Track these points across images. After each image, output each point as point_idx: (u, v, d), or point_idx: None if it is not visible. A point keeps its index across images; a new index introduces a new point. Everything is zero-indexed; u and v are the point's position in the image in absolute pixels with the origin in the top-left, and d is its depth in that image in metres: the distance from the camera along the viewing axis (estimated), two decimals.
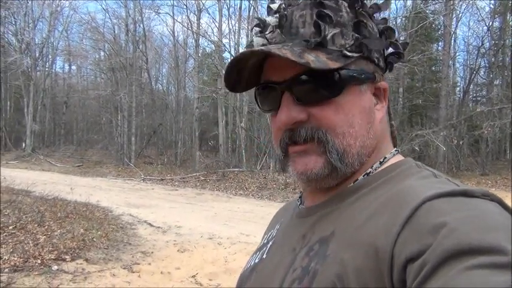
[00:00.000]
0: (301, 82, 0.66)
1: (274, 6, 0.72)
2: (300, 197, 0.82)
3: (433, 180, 0.63)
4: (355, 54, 0.66)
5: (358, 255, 0.57)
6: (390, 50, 0.74)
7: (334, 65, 0.64)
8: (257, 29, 0.74)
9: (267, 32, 0.71)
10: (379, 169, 0.70)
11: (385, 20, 0.74)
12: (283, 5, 0.71)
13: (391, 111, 0.78)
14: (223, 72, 0.71)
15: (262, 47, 0.65)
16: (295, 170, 0.69)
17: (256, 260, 0.78)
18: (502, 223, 0.51)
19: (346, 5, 0.68)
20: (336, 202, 0.69)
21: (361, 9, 0.69)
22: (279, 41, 0.68)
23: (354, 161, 0.68)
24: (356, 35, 0.67)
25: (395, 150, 0.74)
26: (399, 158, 0.73)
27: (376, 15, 0.74)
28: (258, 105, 0.74)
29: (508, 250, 0.46)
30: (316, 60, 0.63)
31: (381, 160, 0.71)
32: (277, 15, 0.70)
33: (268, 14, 0.73)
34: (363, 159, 0.69)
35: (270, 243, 0.79)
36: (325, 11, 0.66)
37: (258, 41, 0.71)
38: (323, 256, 0.61)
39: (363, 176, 0.69)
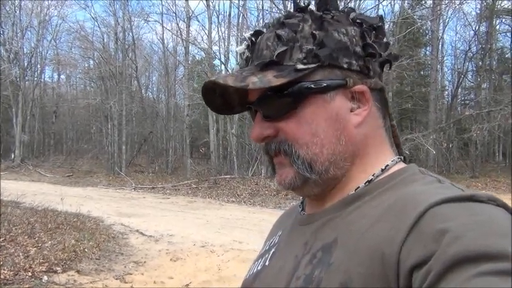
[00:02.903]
0: (265, 100, 0.69)
1: (246, 35, 0.76)
2: (302, 203, 0.82)
3: (438, 185, 0.63)
4: (310, 66, 0.67)
5: (363, 262, 0.57)
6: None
7: (278, 81, 0.65)
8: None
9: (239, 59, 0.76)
10: (381, 176, 0.69)
11: (380, 18, 0.74)
12: (255, 32, 0.75)
13: (391, 112, 0.77)
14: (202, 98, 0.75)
15: (213, 78, 0.69)
16: (276, 179, 0.73)
17: (259, 267, 0.78)
18: (508, 229, 0.50)
19: (311, 17, 0.70)
20: (337, 209, 0.69)
21: (332, 18, 0.69)
22: (242, 66, 0.74)
23: (326, 169, 0.68)
24: (308, 47, 0.67)
25: (398, 158, 0.73)
26: (402, 165, 0.72)
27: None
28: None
29: None
30: (258, 81, 0.65)
31: (383, 168, 0.70)
32: (246, 42, 0.75)
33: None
34: (340, 165, 0.69)
35: (273, 250, 0.79)
36: (278, 31, 0.69)
37: (235, 68, 0.77)
38: (327, 264, 0.61)
39: (364, 183, 0.69)
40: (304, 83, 0.67)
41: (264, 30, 0.74)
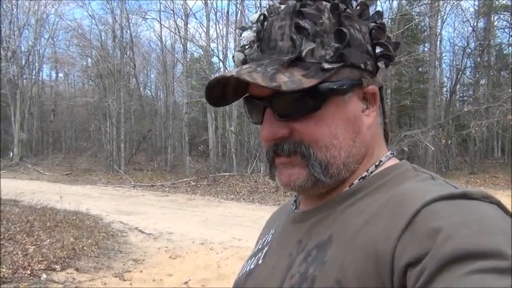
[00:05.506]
0: (281, 98, 0.65)
1: (254, 17, 0.71)
2: (295, 201, 0.81)
3: (431, 182, 0.62)
4: (335, 65, 0.64)
5: (358, 260, 0.56)
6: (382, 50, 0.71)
7: (310, 82, 0.62)
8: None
9: (246, 47, 0.70)
10: (375, 172, 0.69)
11: (378, 14, 0.71)
12: (263, 16, 0.69)
13: (386, 110, 0.77)
14: (204, 91, 0.70)
15: (233, 72, 0.64)
16: (280, 180, 0.69)
17: (252, 266, 0.77)
18: (501, 226, 0.50)
19: (328, 9, 0.65)
20: (331, 206, 0.68)
21: (345, 11, 0.66)
22: (255, 58, 0.68)
23: (339, 171, 0.67)
24: (336, 44, 0.64)
25: (391, 153, 0.73)
26: (395, 161, 0.72)
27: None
28: (247, 116, 0.73)
29: (507, 254, 0.45)
30: (289, 80, 0.61)
31: (376, 163, 0.70)
32: (255, 29, 0.69)
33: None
34: (351, 167, 0.68)
35: (266, 248, 0.78)
36: (301, 22, 0.63)
37: (238, 56, 0.71)
38: (321, 262, 0.61)
39: (358, 179, 0.69)
40: (329, 83, 0.64)
41: (267, 14, 0.69)
